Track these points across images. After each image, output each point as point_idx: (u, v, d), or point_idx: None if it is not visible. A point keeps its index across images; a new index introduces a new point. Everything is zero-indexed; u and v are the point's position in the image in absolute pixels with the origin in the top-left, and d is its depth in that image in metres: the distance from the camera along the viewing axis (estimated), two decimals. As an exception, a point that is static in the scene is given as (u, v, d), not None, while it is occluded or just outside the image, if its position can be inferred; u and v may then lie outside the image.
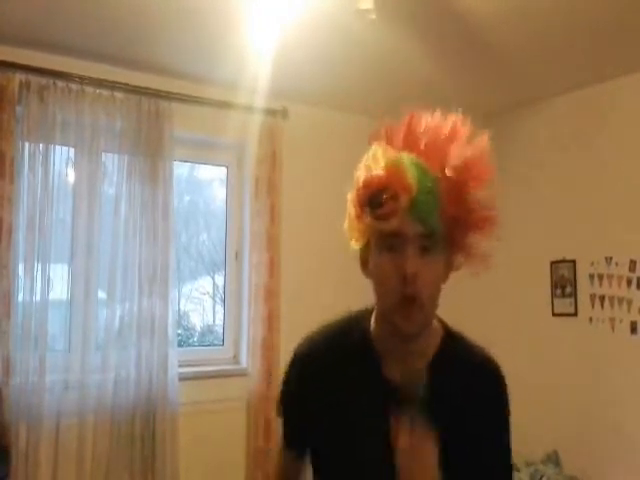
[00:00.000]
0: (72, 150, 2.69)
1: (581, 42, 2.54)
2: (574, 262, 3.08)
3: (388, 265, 0.94)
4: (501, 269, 3.45)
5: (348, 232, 1.02)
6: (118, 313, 2.68)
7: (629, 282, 2.84)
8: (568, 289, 3.10)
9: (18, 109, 2.53)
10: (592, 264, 3.00)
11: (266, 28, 2.33)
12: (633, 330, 2.81)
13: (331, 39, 2.49)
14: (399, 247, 0.93)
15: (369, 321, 1.05)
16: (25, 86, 2.55)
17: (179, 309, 3.30)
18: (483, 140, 0.99)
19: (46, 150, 2.58)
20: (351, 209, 0.99)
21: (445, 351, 1.03)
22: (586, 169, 3.06)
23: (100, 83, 2.70)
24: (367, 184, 0.94)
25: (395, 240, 0.93)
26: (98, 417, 2.61)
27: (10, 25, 2.43)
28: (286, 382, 1.13)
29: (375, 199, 0.93)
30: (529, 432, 3.14)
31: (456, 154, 0.96)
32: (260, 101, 2.98)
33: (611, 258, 2.92)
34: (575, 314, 3.06)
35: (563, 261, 3.12)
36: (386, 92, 3.05)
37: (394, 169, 0.92)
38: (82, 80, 2.65)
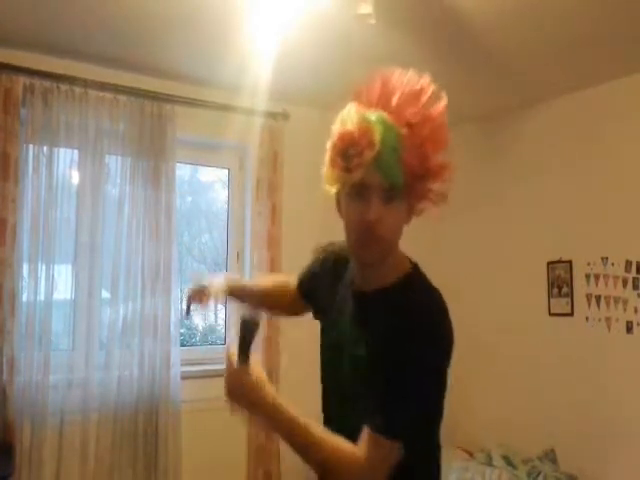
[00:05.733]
0: (76, 152, 2.73)
1: (580, 44, 2.56)
2: (570, 262, 3.11)
3: (355, 211, 1.09)
4: (498, 269, 3.50)
5: (325, 178, 1.15)
6: (121, 312, 2.72)
7: (625, 282, 2.88)
8: (564, 289, 3.13)
9: (22, 112, 2.57)
10: (588, 264, 3.03)
11: (267, 32, 2.37)
12: (629, 329, 2.84)
13: (331, 43, 2.52)
14: (365, 196, 1.07)
15: None
16: (29, 89, 2.58)
17: (181, 309, 3.33)
18: (443, 103, 1.10)
19: (50, 152, 2.62)
20: (328, 158, 1.12)
21: (396, 286, 1.15)
22: (583, 170, 3.09)
23: (103, 86, 2.73)
24: (340, 138, 1.08)
25: (362, 189, 1.07)
26: (101, 415, 2.65)
27: (14, 29, 2.45)
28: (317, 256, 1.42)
29: (345, 152, 1.06)
30: (526, 430, 3.18)
31: (419, 111, 1.08)
32: (261, 104, 3.02)
33: (607, 258, 2.95)
34: (571, 314, 3.09)
35: (559, 261, 3.16)
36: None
37: (363, 127, 1.04)
38: (85, 83, 2.68)
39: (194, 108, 2.97)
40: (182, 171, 3.24)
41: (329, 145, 1.12)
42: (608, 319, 2.93)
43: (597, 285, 2.99)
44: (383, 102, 1.09)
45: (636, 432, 2.76)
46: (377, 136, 1.03)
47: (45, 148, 2.61)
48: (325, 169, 1.14)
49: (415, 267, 1.19)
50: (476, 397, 3.48)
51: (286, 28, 2.33)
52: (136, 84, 2.82)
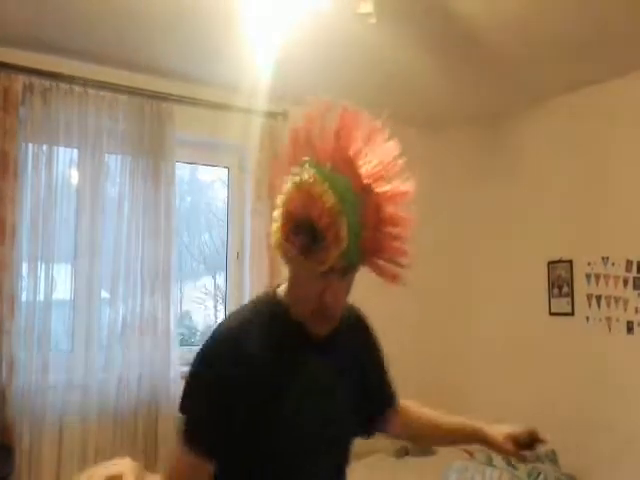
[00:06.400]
0: (75, 151, 2.71)
1: (580, 44, 2.57)
2: (571, 262, 3.11)
3: (313, 289, 1.01)
4: (499, 269, 3.49)
5: (277, 245, 1.02)
6: (121, 313, 2.70)
7: (625, 282, 2.88)
8: (565, 289, 3.13)
9: (21, 111, 2.55)
10: (589, 264, 3.03)
11: (267, 31, 2.36)
12: (629, 330, 2.84)
13: (331, 42, 2.51)
14: (324, 274, 0.98)
15: (281, 305, 1.10)
16: (28, 88, 2.57)
17: (181, 309, 3.33)
18: (408, 177, 1.01)
19: (49, 151, 2.61)
20: (281, 227, 1.00)
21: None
22: (583, 170, 3.09)
23: (103, 85, 2.72)
24: (298, 219, 0.96)
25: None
26: (101, 416, 2.63)
27: (13, 27, 2.44)
28: (216, 371, 1.03)
29: (309, 243, 0.95)
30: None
31: (386, 186, 0.99)
32: (261, 103, 3.01)
33: (607, 258, 2.95)
34: (572, 314, 3.09)
35: (560, 261, 3.16)
36: (386, 95, 3.08)
37: (329, 217, 0.93)
38: (85, 82, 2.67)
39: (194, 107, 2.96)
40: (181, 170, 3.23)
41: (282, 212, 0.99)
42: (609, 319, 2.93)
43: (598, 285, 2.99)
44: (340, 157, 0.98)
45: (637, 433, 2.75)
46: (344, 230, 0.93)
47: (44, 147, 2.60)
48: (275, 235, 1.01)
49: None
50: (476, 397, 3.47)
51: (286, 27, 2.32)
52: (136, 83, 2.81)
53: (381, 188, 0.98)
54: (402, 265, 1.02)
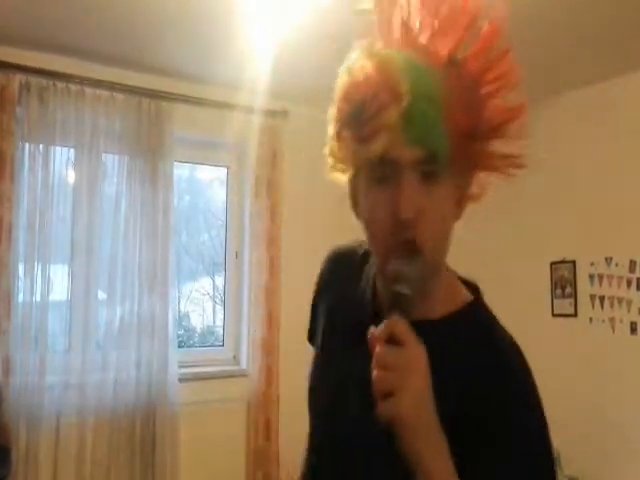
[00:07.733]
0: (72, 151, 2.70)
1: (582, 43, 2.55)
2: (574, 263, 3.08)
3: (378, 205, 0.70)
4: (501, 269, 3.46)
5: (330, 161, 0.79)
6: (118, 313, 2.69)
7: (629, 282, 2.85)
8: (568, 289, 3.10)
9: (18, 110, 2.54)
10: (592, 264, 3.00)
11: (266, 29, 2.34)
12: (633, 330, 2.81)
13: (331, 40, 2.49)
14: (393, 179, 0.69)
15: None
16: (25, 87, 2.56)
17: (179, 309, 3.31)
18: (500, 20, 0.76)
19: (46, 151, 2.60)
20: (332, 131, 0.76)
21: (458, 322, 0.77)
22: (586, 170, 3.06)
23: (100, 84, 2.70)
24: (346, 95, 0.71)
25: (387, 169, 0.69)
26: (98, 417, 2.62)
27: (10, 26, 2.43)
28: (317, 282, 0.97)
29: (357, 114, 0.69)
30: (529, 432, 3.15)
31: (461, 40, 0.72)
32: (260, 102, 2.99)
33: (611, 258, 2.92)
34: (575, 315, 3.06)
35: (563, 262, 3.13)
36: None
37: (380, 72, 0.68)
38: (82, 81, 2.66)
39: (192, 106, 2.94)
40: (180, 170, 3.21)
41: (332, 111, 0.75)
42: (612, 320, 2.90)
43: (601, 285, 2.96)
44: (406, 38, 0.73)
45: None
46: (403, 83, 0.66)
47: (41, 146, 2.59)
48: (329, 148, 0.78)
49: (478, 296, 0.84)
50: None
51: (285, 24, 2.29)
52: (133, 82, 2.79)
53: (472, 61, 0.72)
54: (516, 134, 0.71)
